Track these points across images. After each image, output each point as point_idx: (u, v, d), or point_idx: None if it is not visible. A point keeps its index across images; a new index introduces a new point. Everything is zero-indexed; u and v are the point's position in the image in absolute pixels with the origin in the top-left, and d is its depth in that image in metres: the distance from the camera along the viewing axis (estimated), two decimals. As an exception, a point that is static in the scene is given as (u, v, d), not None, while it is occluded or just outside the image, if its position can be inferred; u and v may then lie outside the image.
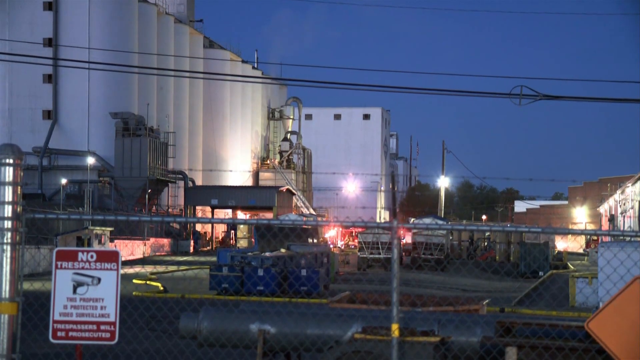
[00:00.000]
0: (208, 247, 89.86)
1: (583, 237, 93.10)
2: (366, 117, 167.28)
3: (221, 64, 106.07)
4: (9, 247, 7.89)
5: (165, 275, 44.67)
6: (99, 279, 8.06)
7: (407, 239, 67.41)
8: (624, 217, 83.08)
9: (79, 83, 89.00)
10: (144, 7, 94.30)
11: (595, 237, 76.85)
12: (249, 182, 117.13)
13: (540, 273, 52.22)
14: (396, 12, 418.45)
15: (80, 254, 8.11)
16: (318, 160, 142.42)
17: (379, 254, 55.92)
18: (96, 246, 50.97)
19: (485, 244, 76.37)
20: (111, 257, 8.10)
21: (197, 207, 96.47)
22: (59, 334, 8.03)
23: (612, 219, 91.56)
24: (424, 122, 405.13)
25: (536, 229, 9.05)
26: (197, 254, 76.72)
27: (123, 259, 53.03)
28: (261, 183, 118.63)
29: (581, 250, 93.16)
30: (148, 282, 37.94)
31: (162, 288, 34.80)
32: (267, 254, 36.57)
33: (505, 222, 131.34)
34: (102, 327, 8.03)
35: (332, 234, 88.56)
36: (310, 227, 49.99)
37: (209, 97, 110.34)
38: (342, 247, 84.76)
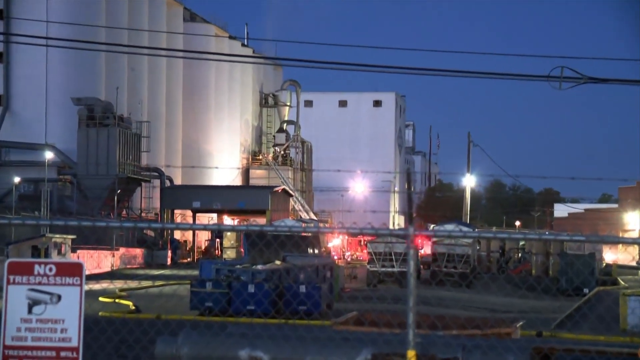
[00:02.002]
0: (189, 259, 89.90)
1: (636, 247, 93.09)
2: (377, 103, 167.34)
3: (205, 41, 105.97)
4: (-49, 258, 7.89)
5: (138, 292, 44.74)
6: (59, 297, 8.06)
7: (426, 249, 67.27)
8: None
9: (35, 63, 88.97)
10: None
11: (650, 247, 76.80)
12: (237, 181, 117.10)
13: (585, 290, 52.20)
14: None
15: (36, 267, 8.12)
16: (320, 155, 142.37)
17: (392, 266, 55.94)
18: (55, 257, 51.02)
19: (519, 255, 76.37)
20: (73, 270, 8.10)
21: (176, 211, 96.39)
22: (11, 361, 8.03)
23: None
24: (446, 110, 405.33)
25: (580, 237, 9.05)
26: (176, 266, 76.77)
27: (88, 272, 53.11)
28: (252, 182, 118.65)
29: (634, 263, 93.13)
30: (117, 300, 37.97)
31: (133, 307, 34.85)
32: (259, 266, 36.59)
33: (543, 229, 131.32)
34: (63, 354, 8.03)
35: (337, 243, 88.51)
36: (310, 234, 50.01)
37: (190, 80, 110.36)
38: (349, 259, 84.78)
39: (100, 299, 38.07)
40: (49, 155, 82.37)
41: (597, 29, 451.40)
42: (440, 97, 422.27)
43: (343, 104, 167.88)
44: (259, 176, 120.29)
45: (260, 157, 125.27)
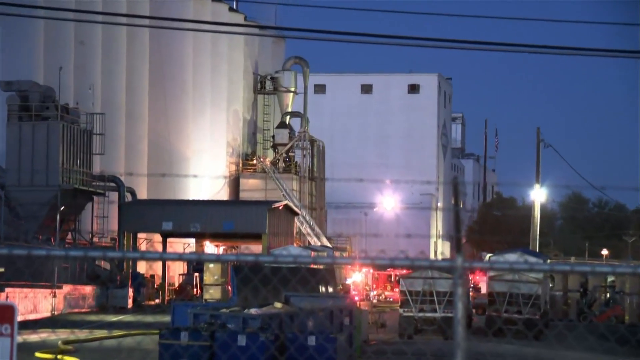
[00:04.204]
0: (157, 300, 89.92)
1: None
2: (413, 88, 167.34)
3: (179, 5, 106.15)
4: None
5: (89, 344, 44.81)
6: (-17, 351, 8.10)
7: (481, 286, 67.19)
8: None
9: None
10: None
11: None
12: (223, 194, 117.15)
13: (697, 343, 52.18)
14: None
15: (-48, 310, 8.16)
16: (336, 160, 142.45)
17: (434, 310, 55.92)
18: (-23, 297, 51.10)
19: (607, 295, 76.31)
20: (2, 314, 8.15)
21: (140, 235, 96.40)
22: None
23: None
24: (506, 99, 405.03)
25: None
26: (140, 309, 76.86)
27: (21, 317, 53.16)
28: (243, 195, 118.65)
29: None
30: (60, 356, 38.03)
31: (82, 365, 34.96)
32: (253, 310, 36.65)
33: (638, 258, 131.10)
34: None
35: (359, 279, 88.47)
36: (322, 266, 50.07)
37: (159, 57, 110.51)
38: (375, 300, 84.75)
39: (38, 354, 38.16)
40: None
41: None
42: (499, 82, 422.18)
43: (367, 89, 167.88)
44: (252, 187, 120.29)
45: (255, 161, 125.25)
